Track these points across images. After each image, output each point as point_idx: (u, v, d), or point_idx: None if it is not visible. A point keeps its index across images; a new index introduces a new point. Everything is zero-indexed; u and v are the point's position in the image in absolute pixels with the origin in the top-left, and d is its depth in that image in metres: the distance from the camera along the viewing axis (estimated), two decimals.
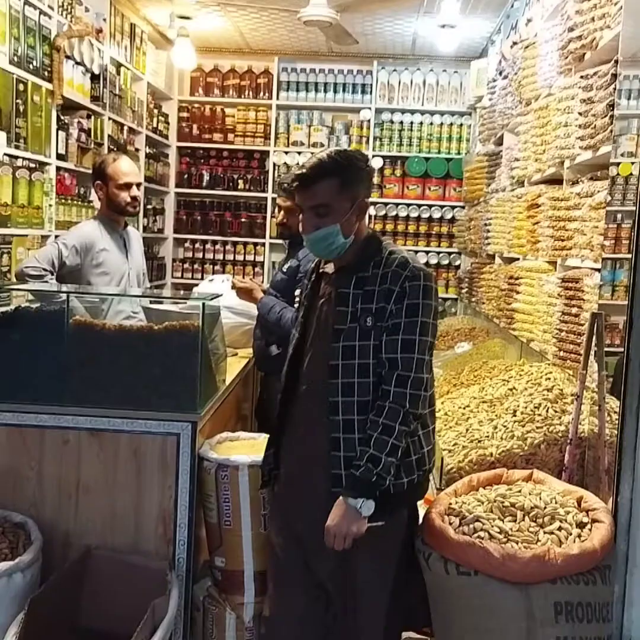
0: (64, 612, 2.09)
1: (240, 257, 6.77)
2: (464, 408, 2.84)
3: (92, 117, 5.01)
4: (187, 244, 6.85)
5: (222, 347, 2.89)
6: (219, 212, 6.80)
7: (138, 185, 3.55)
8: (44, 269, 3.22)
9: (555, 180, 3.36)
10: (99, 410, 2.35)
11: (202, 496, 2.41)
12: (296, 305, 3.29)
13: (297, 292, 3.22)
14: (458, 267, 6.43)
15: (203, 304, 2.38)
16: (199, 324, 2.37)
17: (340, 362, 1.96)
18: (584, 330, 2.48)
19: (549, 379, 2.71)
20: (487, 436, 2.51)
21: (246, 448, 2.52)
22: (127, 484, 2.35)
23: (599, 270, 2.52)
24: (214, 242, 6.80)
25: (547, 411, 2.50)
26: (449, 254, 6.55)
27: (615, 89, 2.51)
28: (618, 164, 2.49)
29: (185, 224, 6.81)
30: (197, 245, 6.82)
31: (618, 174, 2.49)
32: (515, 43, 4.21)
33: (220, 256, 6.79)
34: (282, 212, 3.48)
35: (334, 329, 1.99)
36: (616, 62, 2.51)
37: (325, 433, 1.95)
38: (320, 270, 2.17)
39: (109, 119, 5.25)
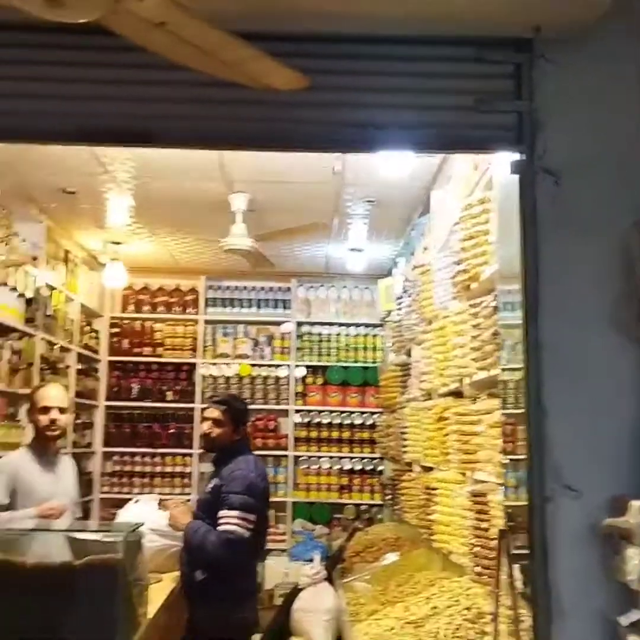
0: None
1: (169, 469, 6.77)
2: (390, 630, 2.85)
3: (25, 338, 5.17)
4: (115, 457, 6.82)
5: (144, 575, 2.87)
6: (148, 424, 6.86)
7: (62, 410, 3.62)
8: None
9: (460, 393, 3.62)
10: None
11: None
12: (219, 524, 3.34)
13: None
14: (381, 472, 6.56)
15: (125, 538, 2.42)
16: (119, 557, 2.39)
17: None
18: (494, 546, 2.60)
19: (469, 595, 2.78)
20: None
21: None
22: None
23: (503, 484, 2.69)
24: (143, 455, 6.79)
25: (466, 632, 2.55)
26: (372, 459, 6.70)
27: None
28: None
29: (115, 437, 6.82)
30: (125, 457, 6.80)
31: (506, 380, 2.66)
32: (415, 267, 4.65)
33: (148, 468, 6.77)
34: (208, 423, 3.61)
35: None
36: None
37: None
38: None
39: (42, 339, 5.42)
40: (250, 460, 3.57)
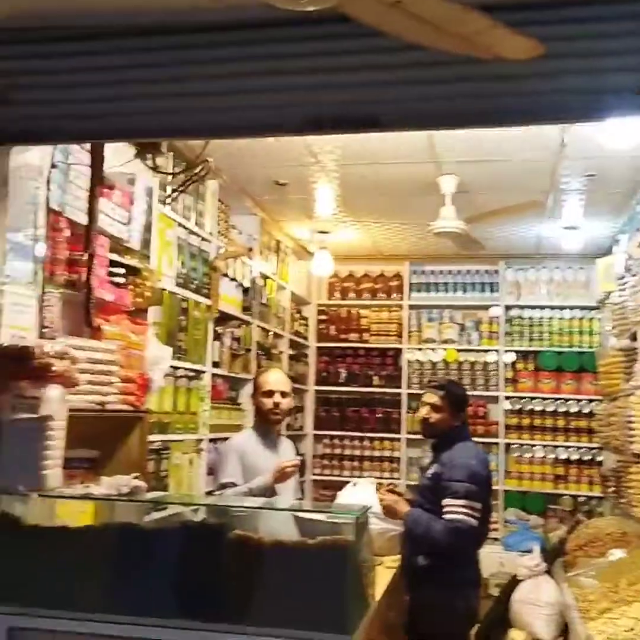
0: None
1: (377, 453, 6.85)
2: (630, 631, 2.66)
3: (243, 326, 5.45)
4: (325, 440, 7.03)
5: (371, 559, 2.90)
6: (355, 408, 6.99)
7: (283, 394, 3.75)
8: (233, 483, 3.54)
9: None
10: (255, 629, 2.37)
11: None
12: (445, 513, 3.31)
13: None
14: (601, 463, 6.19)
15: (357, 518, 2.44)
16: (352, 539, 2.41)
17: None
18: None
19: None
20: None
21: None
22: None
23: None
24: (352, 438, 6.93)
25: None
26: (590, 449, 6.34)
27: None
28: None
29: (325, 421, 7.02)
30: (335, 440, 6.98)
31: None
32: None
33: (357, 452, 6.90)
34: (426, 408, 3.58)
35: None
36: None
37: None
38: None
39: (257, 326, 5.69)
40: (471, 447, 3.51)
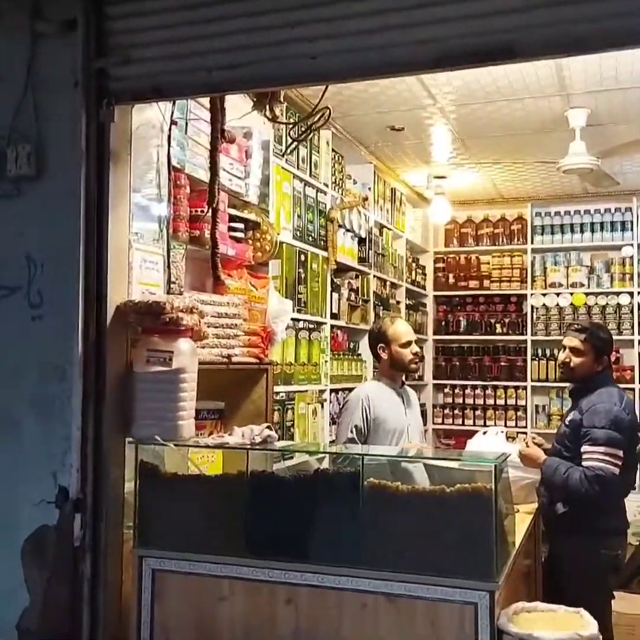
0: None
1: (501, 402, 6.68)
2: None
3: (360, 276, 5.39)
4: (446, 390, 6.92)
5: (510, 506, 2.81)
6: (477, 357, 6.83)
7: (416, 343, 3.76)
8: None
9: None
10: (395, 575, 2.35)
11: None
12: (584, 460, 3.17)
13: None
14: None
15: (495, 466, 2.36)
16: (492, 487, 2.33)
17: None
18: None
19: None
20: None
21: (546, 622, 2.37)
22: None
23: None
24: (474, 387, 6.79)
25: None
26: None
27: None
28: None
29: (444, 370, 6.91)
30: (456, 390, 6.86)
31: None
32: None
33: (480, 401, 6.75)
34: (566, 351, 3.43)
35: None
36: None
37: None
38: None
39: (374, 276, 5.61)
40: (614, 392, 3.33)
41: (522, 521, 3.30)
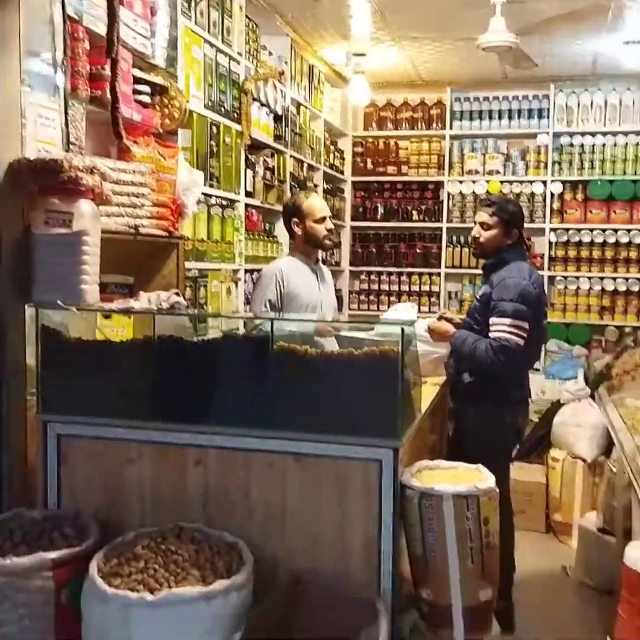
0: (276, 634, 2.11)
1: (415, 288, 6.77)
2: None
3: (276, 155, 5.23)
4: (362, 276, 6.95)
5: (417, 374, 2.86)
6: (393, 244, 6.85)
7: (330, 218, 3.70)
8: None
9: None
10: (302, 435, 2.38)
11: (406, 526, 2.37)
12: (491, 331, 3.25)
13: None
14: None
15: (402, 329, 2.37)
16: (399, 349, 2.35)
17: None
18: None
19: None
20: None
21: (447, 477, 2.46)
22: (331, 509, 2.35)
23: None
24: (389, 274, 6.84)
25: None
26: (639, 279, 6.16)
27: None
28: None
29: (361, 257, 6.91)
30: (372, 277, 6.90)
31: None
32: None
33: (395, 287, 6.82)
34: (477, 227, 3.47)
35: None
36: None
37: None
38: None
39: (291, 156, 5.46)
40: (524, 267, 3.37)
41: (429, 391, 3.40)
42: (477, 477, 2.46)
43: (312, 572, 2.27)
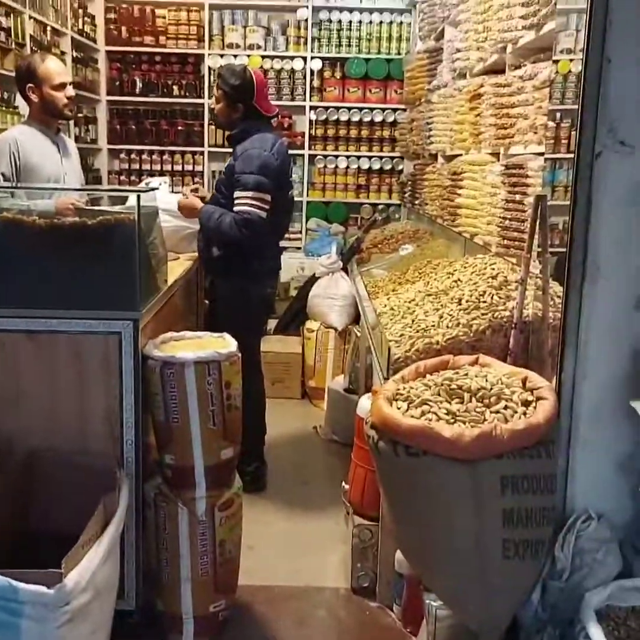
0: (11, 516, 2.05)
1: (178, 167, 6.56)
2: (410, 302, 2.82)
3: (12, 15, 4.67)
4: (122, 155, 6.58)
5: (162, 248, 2.81)
6: (154, 121, 6.52)
7: (71, 84, 3.42)
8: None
9: (497, 71, 3.29)
10: (35, 311, 2.26)
11: (149, 395, 2.37)
12: (235, 205, 3.26)
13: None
14: (401, 171, 6.35)
15: (138, 195, 2.29)
16: (135, 217, 2.27)
17: None
18: (527, 216, 2.46)
19: (494, 268, 2.71)
20: (433, 325, 2.51)
21: (192, 346, 2.48)
22: (69, 385, 2.29)
23: (542, 154, 2.49)
24: (151, 153, 6.55)
25: (491, 298, 2.51)
26: (392, 158, 6.44)
27: None
28: (557, 61, 2.44)
29: (120, 134, 6.53)
30: (133, 155, 6.56)
31: (557, 72, 2.45)
32: None
33: (157, 166, 6.55)
34: (213, 98, 3.50)
35: None
36: None
37: None
38: None
39: (30, 17, 4.92)
40: (268, 138, 3.36)
41: (182, 266, 3.37)
42: (221, 345, 2.50)
43: (50, 448, 2.22)
